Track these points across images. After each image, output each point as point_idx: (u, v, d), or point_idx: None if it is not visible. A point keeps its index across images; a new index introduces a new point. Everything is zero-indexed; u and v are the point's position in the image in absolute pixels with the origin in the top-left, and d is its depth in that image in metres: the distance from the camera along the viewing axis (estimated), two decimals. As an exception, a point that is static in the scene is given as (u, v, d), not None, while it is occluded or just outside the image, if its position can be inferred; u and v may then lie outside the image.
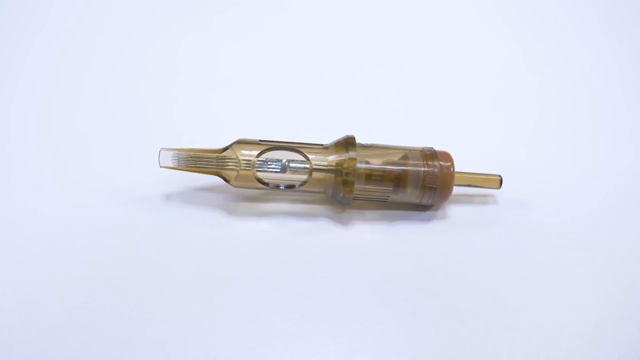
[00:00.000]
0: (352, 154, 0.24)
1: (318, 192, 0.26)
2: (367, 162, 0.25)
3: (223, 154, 0.25)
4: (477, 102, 0.34)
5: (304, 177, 0.25)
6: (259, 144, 0.25)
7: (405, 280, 0.24)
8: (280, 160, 0.25)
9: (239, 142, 0.25)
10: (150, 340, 0.21)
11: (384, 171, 0.25)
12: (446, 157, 0.25)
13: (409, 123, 0.32)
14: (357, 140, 0.25)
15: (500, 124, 0.32)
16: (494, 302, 0.23)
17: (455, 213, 0.26)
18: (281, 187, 0.25)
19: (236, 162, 0.25)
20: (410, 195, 0.25)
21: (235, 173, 0.25)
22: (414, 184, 0.25)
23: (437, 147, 0.26)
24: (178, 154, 0.25)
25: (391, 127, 0.31)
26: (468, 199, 0.27)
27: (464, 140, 0.30)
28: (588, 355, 0.22)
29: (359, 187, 0.25)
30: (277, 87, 0.33)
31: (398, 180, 0.25)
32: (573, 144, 0.31)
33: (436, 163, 0.25)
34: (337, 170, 0.24)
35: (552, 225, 0.26)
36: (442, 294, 0.23)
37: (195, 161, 0.25)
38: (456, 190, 0.26)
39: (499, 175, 0.26)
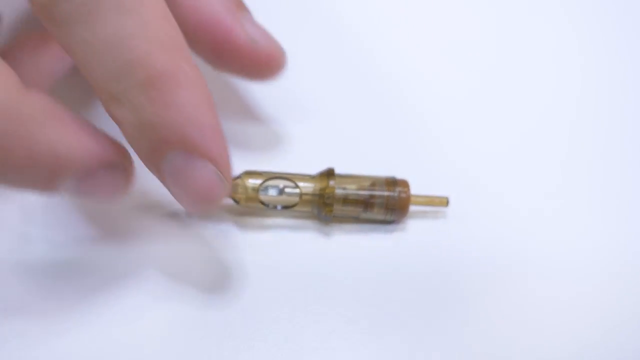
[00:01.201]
0: (332, 182, 0.32)
1: (306, 211, 0.33)
2: (344, 188, 0.32)
3: (234, 181, 0.32)
4: (436, 130, 0.41)
5: (296, 199, 0.33)
6: (261, 174, 0.33)
7: (373, 279, 0.32)
8: (278, 187, 0.33)
9: (247, 173, 0.33)
10: (164, 331, 0.29)
11: (357, 195, 0.32)
12: (404, 184, 0.33)
13: (382, 155, 0.39)
14: (337, 171, 0.33)
15: (456, 147, 0.40)
16: (441, 303, 0.31)
17: (413, 225, 0.34)
18: (278, 208, 0.33)
19: (244, 188, 0.32)
20: (376, 214, 0.33)
21: (244, 196, 0.32)
22: (379, 206, 0.32)
23: (405, 173, 0.34)
24: (199, 182, 0.33)
25: (367, 158, 0.39)
26: (423, 214, 0.35)
27: (428, 164, 0.38)
28: None
29: (337, 207, 0.32)
30: (272, 126, 0.40)
31: (367, 202, 0.32)
32: (511, 166, 0.39)
33: (396, 189, 0.32)
34: (320, 195, 0.32)
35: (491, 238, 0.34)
36: (401, 292, 0.31)
37: (213, 187, 0.33)
38: (413, 207, 0.33)
39: (446, 197, 0.34)
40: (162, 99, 0.17)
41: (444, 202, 0.34)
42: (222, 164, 0.20)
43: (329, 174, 0.33)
